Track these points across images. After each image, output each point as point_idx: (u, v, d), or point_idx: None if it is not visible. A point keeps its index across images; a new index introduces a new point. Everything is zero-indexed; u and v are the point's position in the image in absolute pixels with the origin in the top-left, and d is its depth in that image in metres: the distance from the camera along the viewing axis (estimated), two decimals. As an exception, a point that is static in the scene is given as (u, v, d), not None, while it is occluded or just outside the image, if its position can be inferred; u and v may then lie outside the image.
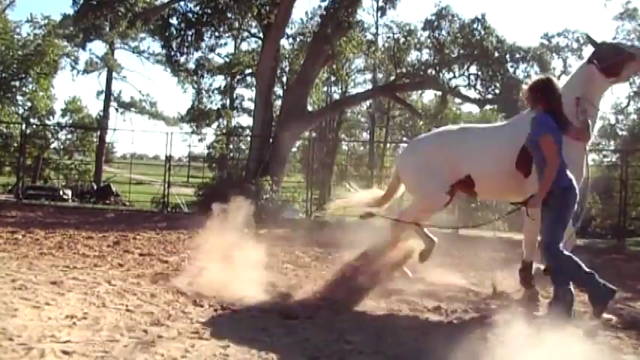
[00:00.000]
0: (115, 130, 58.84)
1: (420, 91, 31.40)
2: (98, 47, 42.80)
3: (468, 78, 22.72)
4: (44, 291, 4.44)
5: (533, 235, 4.87)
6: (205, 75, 31.07)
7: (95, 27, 18.75)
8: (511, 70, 22.35)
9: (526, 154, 4.64)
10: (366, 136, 40.95)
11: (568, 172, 4.26)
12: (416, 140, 6.65)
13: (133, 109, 38.02)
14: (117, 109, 37.74)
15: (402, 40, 24.02)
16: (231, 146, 36.42)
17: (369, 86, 31.91)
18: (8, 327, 3.43)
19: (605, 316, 4.26)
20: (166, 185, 14.01)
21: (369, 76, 34.13)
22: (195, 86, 33.30)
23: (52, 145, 33.36)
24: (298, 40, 25.31)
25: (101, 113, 37.08)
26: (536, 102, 4.42)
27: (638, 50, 5.18)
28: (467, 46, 21.91)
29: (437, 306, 4.70)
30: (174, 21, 20.10)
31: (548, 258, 4.22)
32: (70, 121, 36.94)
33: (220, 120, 34.57)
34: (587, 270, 4.14)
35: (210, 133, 37.00)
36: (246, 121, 38.18)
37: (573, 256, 4.20)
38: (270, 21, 18.47)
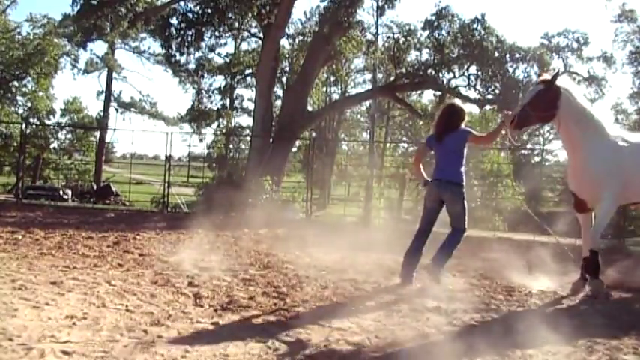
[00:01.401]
0: (115, 130, 59.02)
1: (419, 91, 31.39)
2: (99, 47, 42.89)
3: (468, 78, 22.71)
4: (44, 291, 4.44)
5: (586, 236, 6.04)
6: (205, 75, 31.17)
7: (96, 27, 18.76)
8: (511, 70, 22.34)
9: None
10: (366, 136, 40.99)
11: (436, 171, 5.47)
12: None
13: (133, 109, 38.05)
14: (117, 109, 37.82)
15: (402, 40, 23.96)
16: (231, 146, 36.46)
17: (369, 86, 31.95)
18: (8, 327, 3.43)
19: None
20: (166, 185, 13.98)
21: (369, 76, 34.18)
22: (195, 86, 33.35)
23: (52, 145, 33.36)
24: (298, 40, 25.33)
25: (101, 113, 37.13)
26: None
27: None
28: (467, 46, 21.88)
29: (437, 306, 4.70)
30: (174, 21, 20.15)
31: None
32: (70, 121, 36.93)
33: (220, 120, 34.59)
34: (412, 253, 5.48)
35: (210, 133, 37.01)
36: (246, 121, 38.29)
37: (415, 240, 5.54)
38: (270, 21, 18.47)
